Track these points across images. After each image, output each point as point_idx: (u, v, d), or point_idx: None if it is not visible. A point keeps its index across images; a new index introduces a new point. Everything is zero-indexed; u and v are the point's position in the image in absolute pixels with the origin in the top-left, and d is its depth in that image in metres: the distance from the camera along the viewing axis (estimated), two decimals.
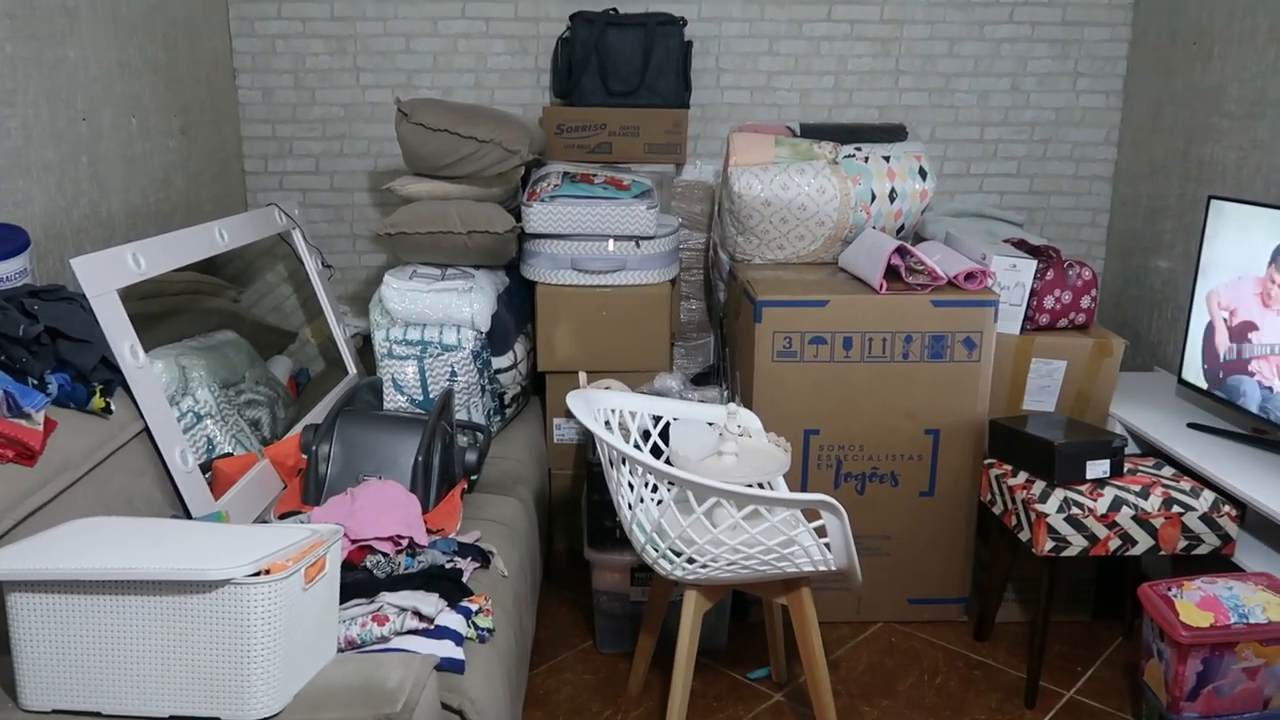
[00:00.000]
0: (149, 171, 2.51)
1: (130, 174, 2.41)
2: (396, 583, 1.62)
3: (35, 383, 1.58)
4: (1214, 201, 2.35)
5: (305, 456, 2.01)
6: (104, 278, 1.74)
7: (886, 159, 2.57)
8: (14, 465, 1.46)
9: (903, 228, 2.62)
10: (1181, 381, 2.45)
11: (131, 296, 1.85)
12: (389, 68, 3.08)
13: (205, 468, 1.92)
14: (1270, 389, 2.16)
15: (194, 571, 1.19)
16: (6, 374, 1.53)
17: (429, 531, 1.85)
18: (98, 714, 1.25)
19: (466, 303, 2.38)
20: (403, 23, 3.05)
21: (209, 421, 2.00)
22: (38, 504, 1.47)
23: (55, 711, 1.25)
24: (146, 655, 1.23)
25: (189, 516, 1.78)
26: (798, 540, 1.80)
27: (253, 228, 2.39)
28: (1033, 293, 2.41)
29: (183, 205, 2.69)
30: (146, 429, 1.76)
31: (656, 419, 2.18)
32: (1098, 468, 2.15)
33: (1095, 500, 2.09)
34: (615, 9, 2.95)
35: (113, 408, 1.68)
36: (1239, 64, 2.58)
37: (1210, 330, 2.35)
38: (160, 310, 2.15)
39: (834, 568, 1.82)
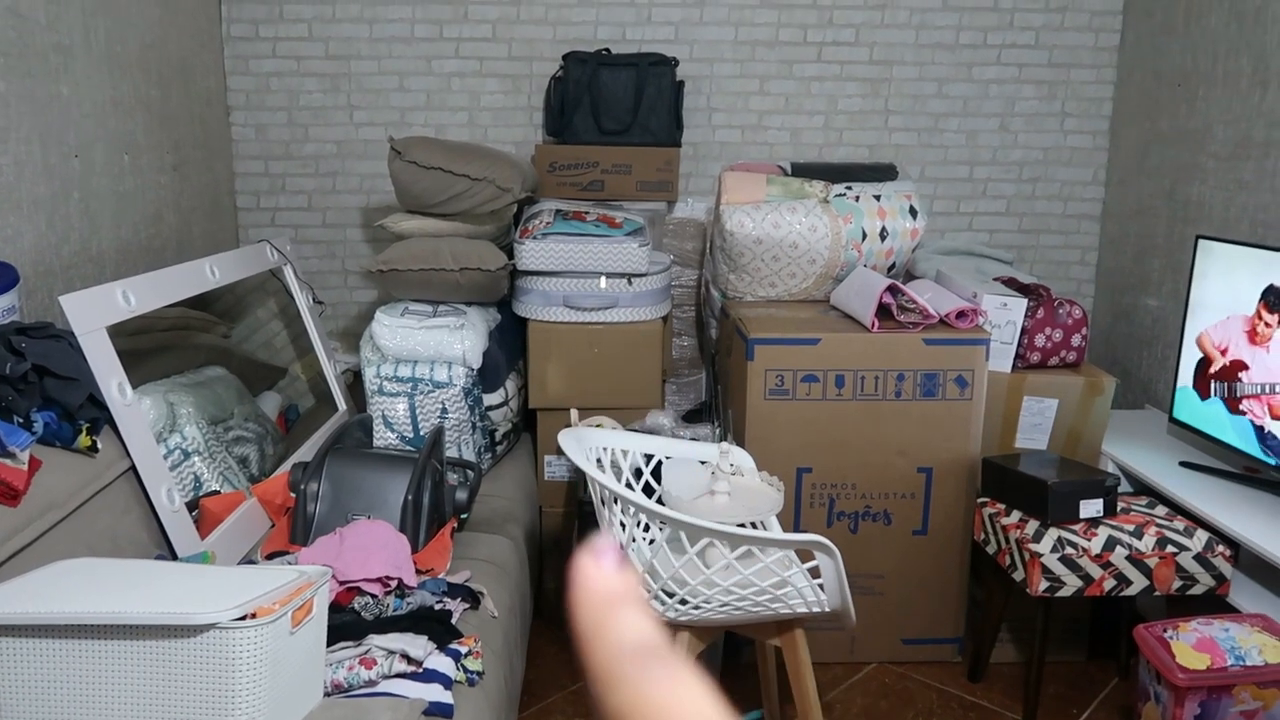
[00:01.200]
0: (140, 208, 2.50)
1: (121, 210, 2.41)
2: (385, 625, 1.60)
3: (21, 421, 1.56)
4: (1202, 241, 2.37)
5: (294, 495, 1.99)
6: (93, 315, 1.73)
7: (877, 198, 2.58)
8: None
9: (894, 266, 2.63)
10: (1173, 420, 2.46)
11: (120, 332, 1.83)
12: (382, 105, 3.10)
13: (192, 506, 1.90)
14: (1262, 427, 2.16)
15: (179, 615, 1.17)
16: None
17: (418, 571, 1.83)
18: None
19: (458, 340, 2.37)
20: (397, 61, 3.07)
21: (196, 459, 1.98)
22: (21, 544, 1.45)
23: None
24: (130, 701, 1.20)
25: (174, 556, 1.76)
26: (791, 581, 1.79)
27: (244, 264, 2.39)
28: (1024, 331, 2.42)
29: (174, 241, 2.69)
30: (133, 467, 1.74)
31: (648, 457, 2.17)
32: (1091, 507, 2.14)
33: (1089, 540, 2.08)
34: (608, 49, 2.97)
35: (99, 446, 1.67)
36: (1223, 106, 2.61)
37: (1205, 366, 2.36)
38: (149, 346, 2.13)
39: (828, 608, 1.80)
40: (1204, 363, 2.35)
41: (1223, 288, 2.29)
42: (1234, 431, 2.24)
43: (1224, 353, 2.28)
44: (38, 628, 1.20)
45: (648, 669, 0.25)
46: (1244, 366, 2.22)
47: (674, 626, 1.88)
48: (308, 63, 3.07)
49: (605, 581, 0.27)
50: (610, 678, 0.25)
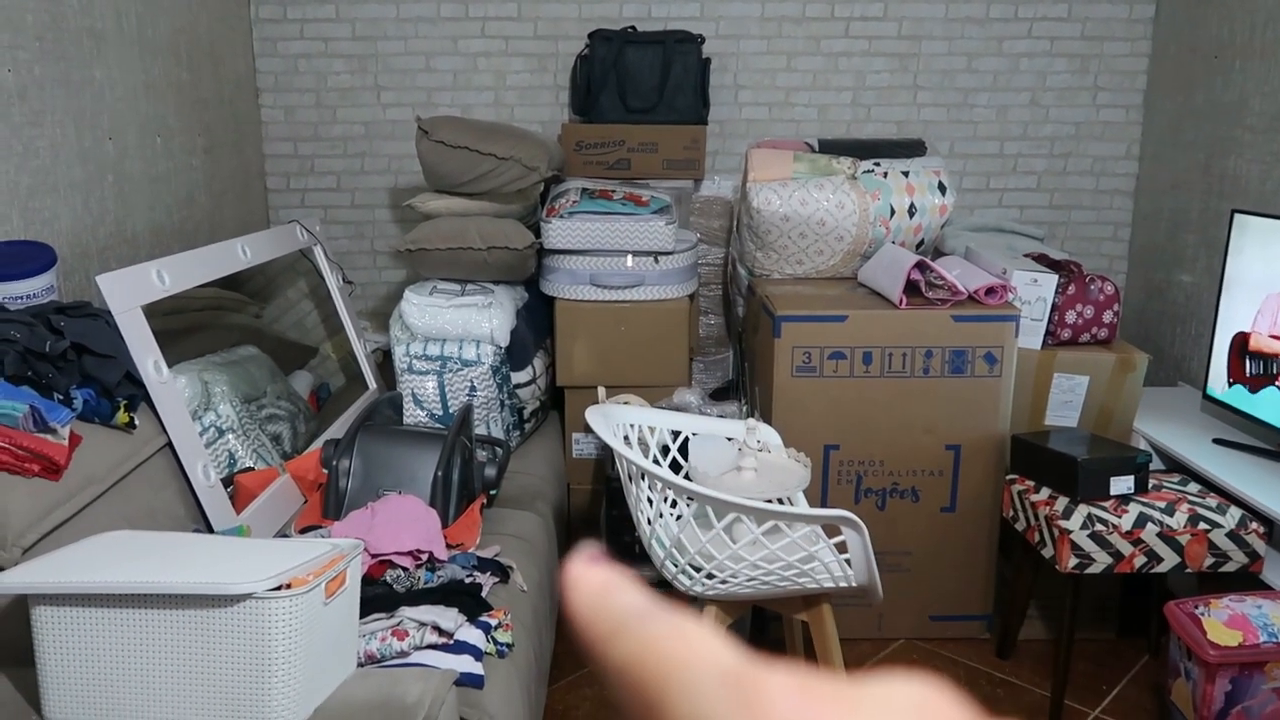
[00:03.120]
0: (173, 190, 2.54)
1: (155, 192, 2.44)
2: (416, 597, 1.62)
3: (61, 398, 1.59)
4: (1237, 215, 2.33)
5: (326, 471, 2.02)
6: (129, 294, 1.76)
7: (905, 174, 2.56)
8: (39, 479, 1.47)
9: (922, 242, 2.61)
10: (1206, 397, 2.43)
11: (155, 312, 1.87)
12: (409, 86, 3.11)
13: (227, 482, 1.93)
14: None
15: (216, 585, 1.19)
16: (33, 389, 1.55)
17: (448, 546, 1.85)
18: None
19: (486, 318, 2.39)
20: (423, 42, 3.08)
21: (230, 436, 2.02)
22: (63, 518, 1.48)
23: None
24: (168, 669, 1.23)
25: (210, 531, 1.79)
26: (818, 556, 1.79)
27: (275, 244, 2.41)
28: (1054, 307, 2.40)
29: (206, 223, 2.72)
30: (169, 444, 1.78)
31: (675, 434, 2.18)
32: (1122, 484, 2.13)
33: (1119, 517, 2.06)
34: (634, 27, 2.96)
35: (136, 423, 1.70)
36: (1261, 78, 2.56)
37: (1237, 347, 2.32)
38: (183, 326, 2.17)
39: (855, 584, 1.80)
40: (1239, 344, 2.31)
41: (1258, 262, 2.26)
42: (1269, 408, 2.21)
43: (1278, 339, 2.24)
44: (80, 597, 1.23)
45: (646, 626, 0.25)
46: None
47: (701, 601, 1.89)
48: (335, 44, 3.08)
49: (590, 579, 0.27)
50: (613, 645, 0.25)
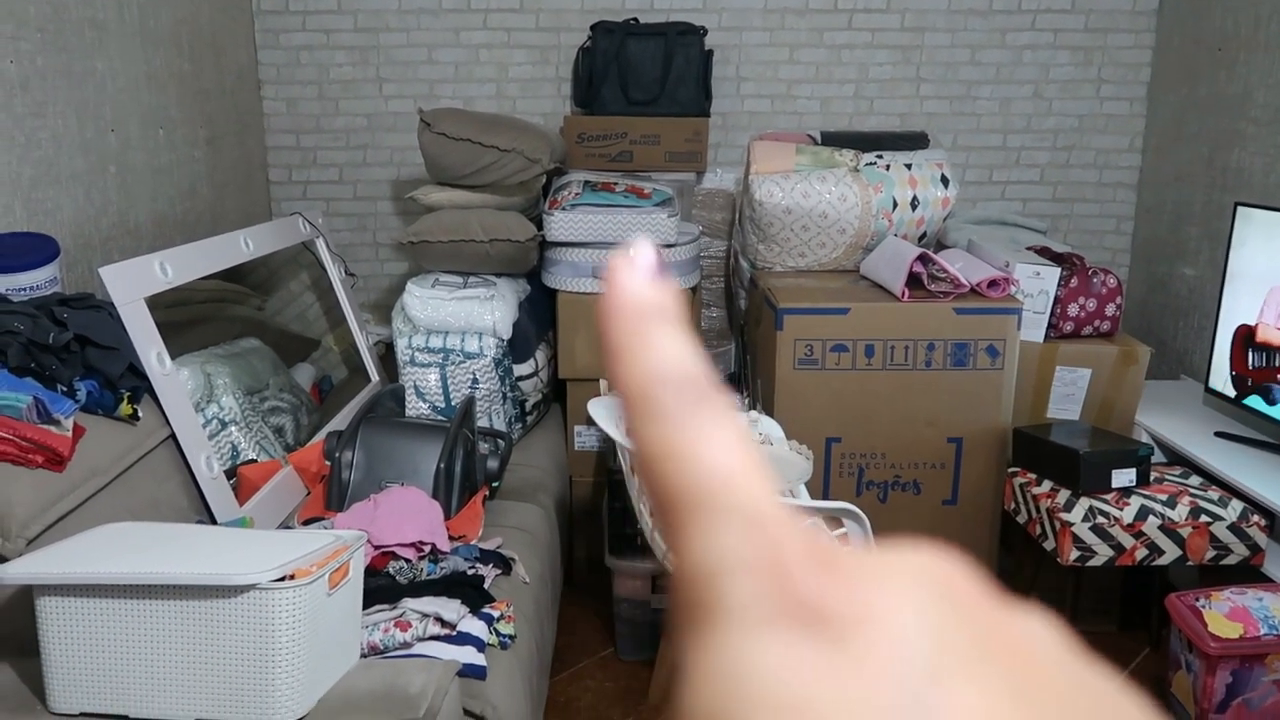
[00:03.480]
0: (175, 181, 2.54)
1: (157, 184, 2.44)
2: (419, 589, 1.63)
3: (64, 389, 1.60)
4: (1241, 208, 2.33)
5: (328, 463, 2.02)
6: (132, 286, 1.76)
7: (908, 166, 2.56)
8: (43, 471, 1.47)
9: (924, 235, 2.61)
10: (1208, 390, 2.43)
11: (158, 305, 1.87)
12: (411, 78, 3.11)
13: (230, 474, 1.94)
14: None
15: (220, 576, 1.20)
16: (36, 381, 1.55)
17: (451, 538, 1.85)
18: (124, 717, 1.26)
19: (488, 310, 2.39)
20: (425, 34, 3.08)
21: (233, 428, 2.02)
22: (66, 509, 1.49)
23: (83, 715, 1.26)
24: (172, 659, 1.24)
25: (214, 522, 1.80)
26: None
27: (277, 236, 2.41)
28: (1056, 300, 2.39)
29: (208, 215, 2.72)
30: (172, 435, 1.78)
31: None
32: (1123, 476, 2.13)
33: (1121, 509, 2.07)
34: (635, 19, 2.96)
35: (140, 414, 1.70)
36: (1265, 70, 2.55)
37: (1241, 339, 2.32)
38: (186, 318, 2.17)
39: None
40: (1242, 336, 2.31)
41: (1262, 256, 2.25)
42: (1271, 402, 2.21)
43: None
44: (85, 587, 1.23)
45: (682, 403, 0.21)
46: None
47: None
48: (337, 36, 3.08)
49: (639, 294, 0.23)
50: (639, 406, 0.21)
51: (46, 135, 1.99)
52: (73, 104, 2.08)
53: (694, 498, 0.20)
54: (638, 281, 0.23)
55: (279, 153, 3.16)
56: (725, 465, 0.21)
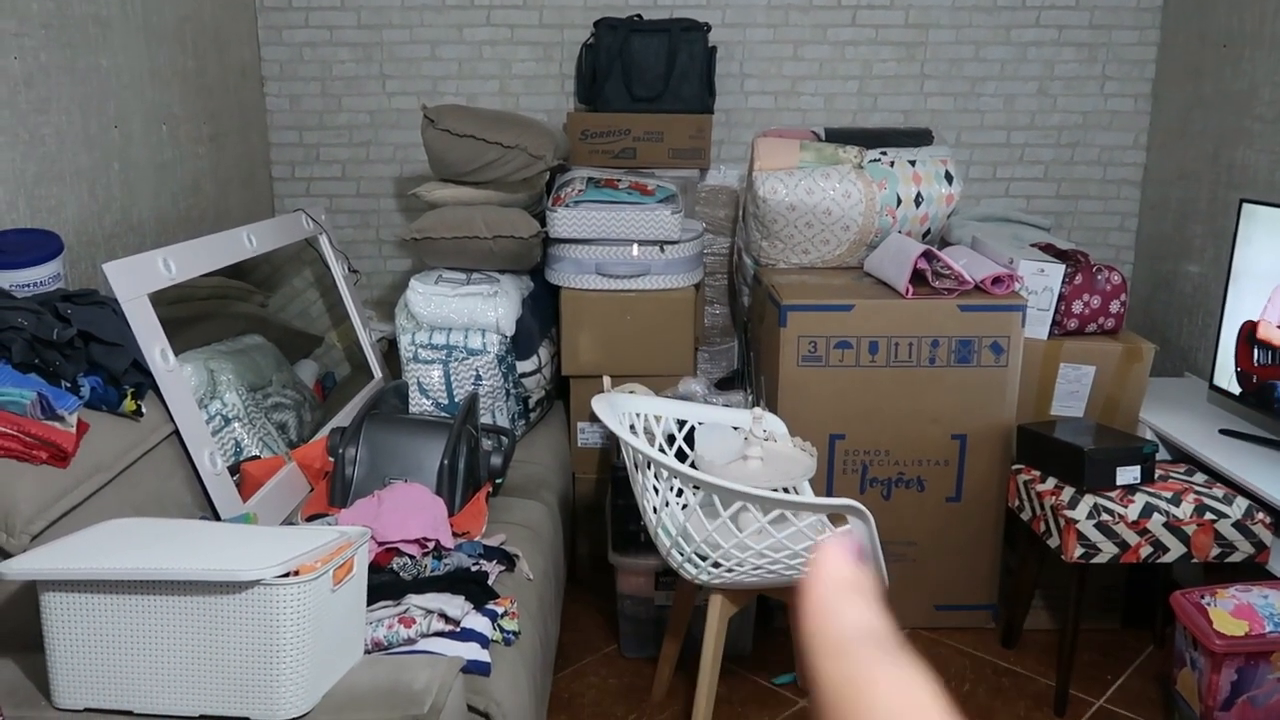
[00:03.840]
0: (179, 178, 2.54)
1: (160, 180, 2.44)
2: (423, 585, 1.62)
3: (68, 386, 1.59)
4: (1246, 205, 2.32)
5: (332, 459, 2.02)
6: (135, 282, 1.76)
7: (912, 163, 2.55)
8: (47, 467, 1.47)
9: (929, 232, 2.60)
10: (1213, 387, 2.42)
11: (161, 301, 1.87)
12: (415, 75, 3.11)
13: (233, 470, 1.94)
14: None
15: (224, 572, 1.20)
16: (40, 377, 1.55)
17: (455, 534, 1.85)
18: (129, 713, 1.26)
19: (491, 307, 2.38)
20: (428, 30, 3.07)
21: (237, 424, 2.02)
22: (70, 505, 1.49)
23: (87, 710, 1.27)
24: (177, 655, 1.24)
25: (217, 518, 1.80)
26: None
27: (280, 233, 2.41)
28: (1061, 297, 2.39)
29: (212, 211, 2.72)
30: (176, 432, 1.78)
31: (681, 423, 2.17)
32: (1128, 474, 2.13)
33: (1126, 507, 2.06)
34: (639, 15, 2.95)
35: (143, 410, 1.70)
36: (1270, 67, 2.55)
37: (1246, 336, 2.32)
38: (189, 315, 2.17)
39: None
40: (1246, 333, 2.30)
41: (1268, 253, 2.25)
42: (1276, 399, 2.21)
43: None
44: (89, 583, 1.23)
45: (875, 663, 0.25)
46: None
47: (707, 590, 1.89)
48: (340, 32, 3.07)
49: (840, 571, 0.28)
50: (834, 664, 0.25)
51: (50, 131, 1.99)
52: (76, 100, 2.08)
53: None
54: (840, 562, 0.28)
55: (282, 149, 3.16)
56: (906, 707, 0.24)
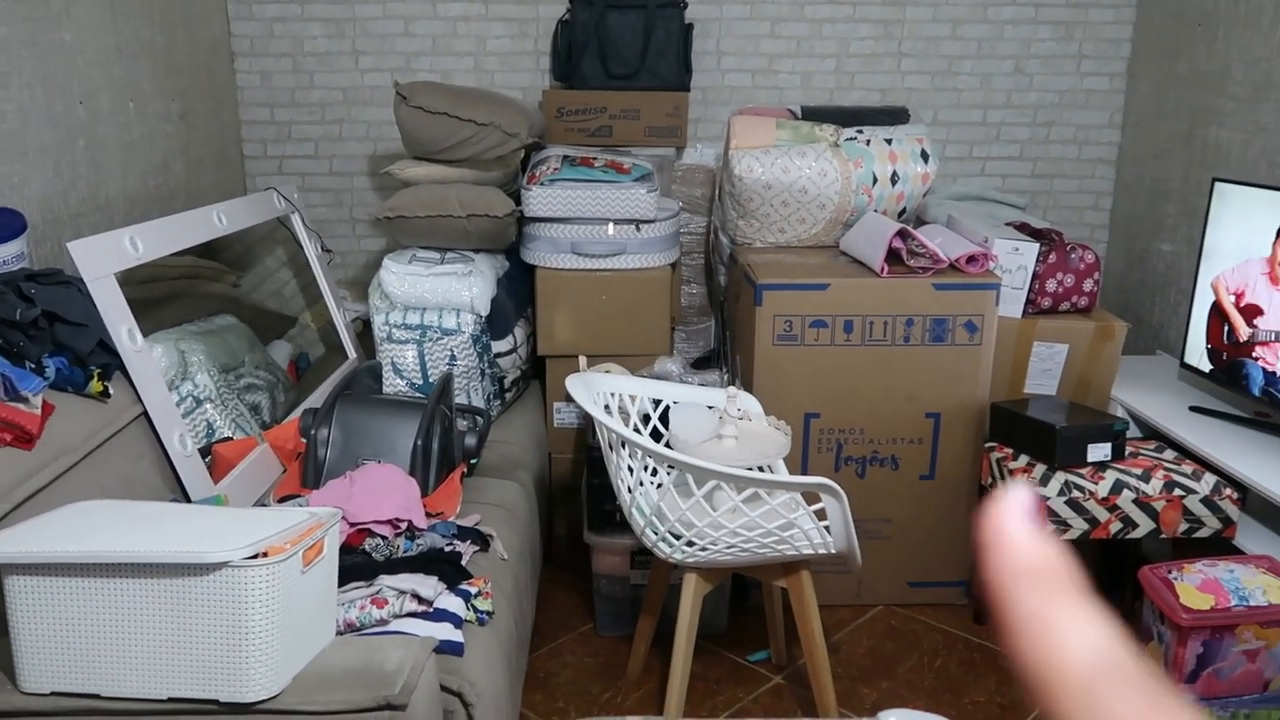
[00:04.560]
0: (147, 156, 2.50)
1: (129, 158, 2.40)
2: (395, 566, 1.62)
3: (33, 366, 1.57)
4: (1218, 184, 2.34)
5: (304, 440, 2.01)
6: (101, 262, 1.73)
7: (888, 142, 2.55)
8: (12, 449, 1.45)
9: (904, 211, 2.61)
10: (1184, 365, 2.45)
11: (131, 281, 1.84)
12: (388, 51, 3.07)
13: (205, 452, 1.92)
14: (1274, 372, 2.15)
15: (192, 554, 1.19)
16: (4, 358, 1.53)
17: (428, 515, 1.85)
18: (96, 696, 1.25)
19: (466, 286, 2.37)
20: (401, 5, 3.03)
21: (208, 406, 2.00)
22: (36, 487, 1.47)
23: (54, 694, 1.26)
24: (145, 638, 1.23)
25: (188, 500, 1.78)
26: (797, 523, 1.80)
27: (251, 212, 2.38)
28: (1035, 276, 2.40)
29: (182, 190, 2.68)
30: (145, 413, 1.76)
31: (656, 403, 2.17)
32: (1099, 451, 2.15)
33: (1096, 483, 2.08)
34: None
35: (110, 391, 1.68)
36: (1244, 47, 2.56)
37: (1216, 312, 2.34)
38: (160, 295, 2.14)
39: (834, 550, 1.82)
40: (1217, 311, 2.32)
41: (1238, 231, 2.26)
42: (1245, 376, 2.23)
43: (1240, 297, 2.26)
44: (55, 566, 1.22)
45: (1116, 690, 0.23)
46: (1259, 311, 2.20)
47: (681, 568, 1.90)
48: (312, 7, 3.03)
49: (1028, 552, 0.23)
50: (1079, 697, 0.23)
51: (12, 108, 1.95)
52: (39, 76, 2.04)
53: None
54: (1022, 533, 0.23)
55: (253, 127, 3.12)
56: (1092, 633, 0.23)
